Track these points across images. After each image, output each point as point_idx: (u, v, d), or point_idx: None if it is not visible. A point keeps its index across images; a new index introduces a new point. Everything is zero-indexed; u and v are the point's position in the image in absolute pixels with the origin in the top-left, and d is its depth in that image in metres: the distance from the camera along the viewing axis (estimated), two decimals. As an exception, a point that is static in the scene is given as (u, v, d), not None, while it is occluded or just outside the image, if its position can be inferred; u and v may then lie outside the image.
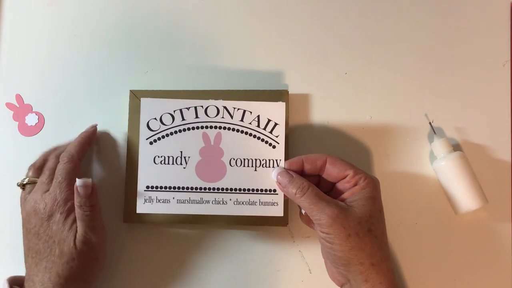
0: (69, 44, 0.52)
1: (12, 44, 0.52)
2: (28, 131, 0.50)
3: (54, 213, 0.41)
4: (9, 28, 0.52)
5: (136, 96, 0.48)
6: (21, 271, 0.44)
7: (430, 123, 0.49)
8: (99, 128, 0.49)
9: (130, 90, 0.48)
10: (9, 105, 0.51)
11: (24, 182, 0.44)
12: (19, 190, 0.45)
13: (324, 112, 0.50)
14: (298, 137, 0.49)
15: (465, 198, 0.45)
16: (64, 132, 0.50)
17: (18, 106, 0.51)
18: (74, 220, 0.41)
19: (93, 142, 0.48)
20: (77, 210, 0.41)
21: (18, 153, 0.50)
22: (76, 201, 0.41)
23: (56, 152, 0.46)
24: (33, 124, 0.50)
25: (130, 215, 0.46)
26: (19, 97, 0.51)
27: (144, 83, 0.51)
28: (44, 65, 0.51)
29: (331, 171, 0.42)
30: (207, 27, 0.52)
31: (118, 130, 0.49)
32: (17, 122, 0.51)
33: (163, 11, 0.52)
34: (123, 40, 0.52)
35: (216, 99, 0.47)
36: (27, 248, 0.42)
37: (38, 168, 0.45)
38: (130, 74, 0.51)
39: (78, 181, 0.40)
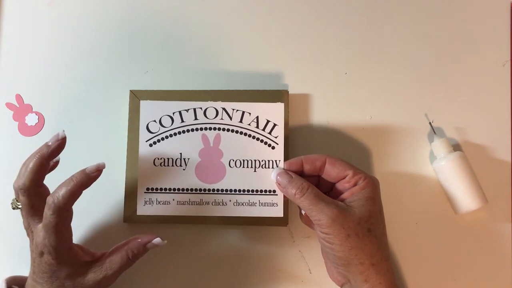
0: (69, 44, 0.52)
1: (12, 44, 0.52)
2: (28, 131, 0.50)
3: (46, 254, 0.39)
4: (9, 28, 0.52)
5: (136, 96, 0.48)
6: (21, 271, 0.44)
7: (430, 123, 0.49)
8: (99, 128, 0.49)
9: (130, 90, 0.48)
10: (9, 105, 0.51)
11: (19, 206, 0.41)
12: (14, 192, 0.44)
13: (324, 112, 0.50)
14: (298, 137, 0.49)
15: (465, 198, 0.45)
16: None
17: (18, 106, 0.51)
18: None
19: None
20: None
21: (18, 153, 0.50)
22: None
23: (17, 183, 0.40)
24: (33, 124, 0.50)
25: (130, 215, 0.46)
26: (19, 97, 0.51)
27: (144, 83, 0.51)
28: (44, 65, 0.51)
29: (331, 172, 0.41)
30: (208, 27, 0.52)
31: (118, 130, 0.49)
32: (17, 122, 0.51)
33: (163, 11, 0.52)
34: (123, 40, 0.52)
35: (216, 99, 0.47)
36: (31, 260, 0.41)
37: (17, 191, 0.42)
38: (130, 74, 0.51)
39: None
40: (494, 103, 0.50)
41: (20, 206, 0.41)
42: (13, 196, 0.43)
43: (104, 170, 0.48)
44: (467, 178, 0.45)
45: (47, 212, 0.37)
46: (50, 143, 0.40)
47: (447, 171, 0.46)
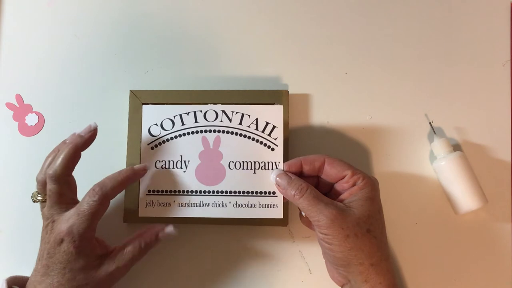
0: (69, 44, 0.52)
1: (12, 44, 0.52)
2: (28, 131, 0.50)
3: (66, 242, 0.39)
4: (9, 28, 0.52)
5: (136, 96, 0.48)
6: (21, 271, 0.44)
7: (430, 123, 0.49)
8: (99, 128, 0.49)
9: (130, 90, 0.48)
10: (9, 105, 0.51)
11: (39, 199, 0.43)
12: (19, 189, 0.45)
13: (324, 112, 0.50)
14: (298, 137, 0.49)
15: (465, 198, 0.45)
16: (64, 132, 0.50)
17: (18, 106, 0.51)
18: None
19: None
20: None
21: (18, 153, 0.50)
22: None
23: (48, 171, 0.41)
24: (33, 124, 0.50)
25: (130, 215, 0.46)
26: (19, 97, 0.51)
27: (144, 83, 0.51)
28: (44, 65, 0.51)
29: (330, 172, 0.41)
30: (208, 27, 0.52)
31: (118, 130, 0.49)
32: (17, 122, 0.51)
33: (163, 12, 0.52)
34: (123, 40, 0.52)
35: (216, 99, 0.47)
36: (40, 254, 0.41)
37: (42, 183, 0.42)
38: (130, 74, 0.51)
39: None
40: (494, 103, 0.50)
41: (40, 199, 0.42)
42: (15, 194, 0.43)
43: (104, 169, 0.48)
44: (467, 178, 0.45)
45: (91, 199, 0.39)
46: (83, 134, 0.42)
47: (447, 171, 0.46)
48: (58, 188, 0.40)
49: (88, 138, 0.42)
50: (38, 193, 0.43)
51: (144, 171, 0.43)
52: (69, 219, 0.39)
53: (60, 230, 0.39)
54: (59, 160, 0.41)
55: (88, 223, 0.39)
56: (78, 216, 0.39)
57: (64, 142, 0.43)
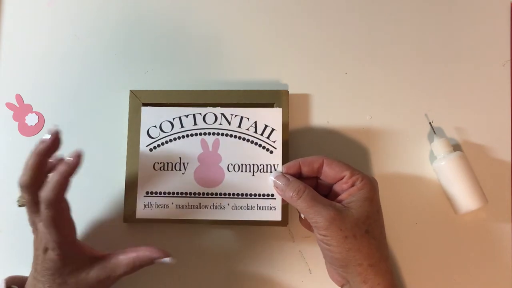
0: (69, 44, 0.52)
1: (12, 44, 0.52)
2: (28, 131, 0.50)
3: (50, 251, 0.39)
4: (9, 28, 0.52)
5: (136, 96, 0.48)
6: (21, 271, 0.44)
7: (430, 123, 0.49)
8: (99, 128, 0.49)
9: (130, 90, 0.48)
10: (9, 105, 0.51)
11: (23, 205, 0.42)
12: (18, 189, 0.44)
13: (324, 112, 0.50)
14: (298, 137, 0.49)
15: (465, 198, 0.45)
16: (64, 132, 0.50)
17: (18, 106, 0.51)
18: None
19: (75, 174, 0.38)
20: None
21: (18, 153, 0.50)
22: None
23: (22, 185, 0.39)
24: (33, 124, 0.50)
25: (130, 215, 0.46)
26: (19, 97, 0.51)
27: (144, 83, 0.51)
28: (44, 65, 0.51)
29: (329, 173, 0.41)
30: (208, 27, 0.52)
31: (118, 130, 0.49)
32: (17, 122, 0.51)
33: (163, 11, 0.52)
34: (123, 40, 0.52)
35: (216, 99, 0.47)
36: (33, 258, 0.41)
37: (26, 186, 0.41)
38: (130, 74, 0.51)
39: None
40: (494, 103, 0.49)
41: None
42: (15, 194, 0.42)
43: (104, 169, 0.49)
44: (467, 178, 0.45)
45: (42, 207, 0.38)
46: (44, 139, 0.39)
47: (447, 171, 0.46)
48: (30, 198, 0.39)
49: (50, 143, 0.39)
50: (23, 197, 0.41)
51: (76, 158, 0.38)
52: (42, 229, 0.39)
53: (42, 239, 0.39)
54: (26, 170, 0.39)
55: (56, 230, 0.38)
56: (44, 226, 0.38)
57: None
